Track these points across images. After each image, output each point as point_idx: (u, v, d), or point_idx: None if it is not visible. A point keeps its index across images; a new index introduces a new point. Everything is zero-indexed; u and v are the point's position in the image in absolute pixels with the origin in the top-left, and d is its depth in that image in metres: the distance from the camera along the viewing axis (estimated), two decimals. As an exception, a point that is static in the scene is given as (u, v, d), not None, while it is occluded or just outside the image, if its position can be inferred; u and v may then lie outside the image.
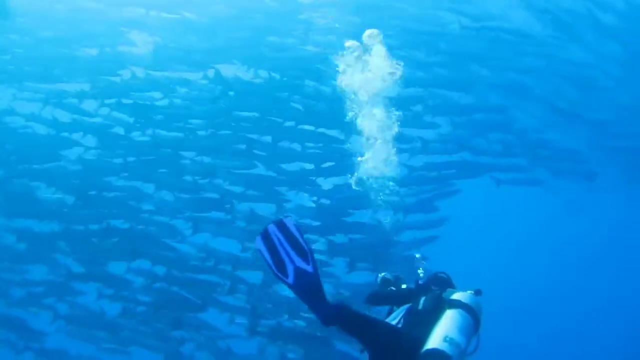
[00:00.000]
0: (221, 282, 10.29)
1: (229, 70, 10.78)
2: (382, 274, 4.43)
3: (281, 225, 3.14)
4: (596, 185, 12.55)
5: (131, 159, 10.66)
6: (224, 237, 10.42)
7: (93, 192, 10.70)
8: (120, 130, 10.83)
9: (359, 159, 9.02)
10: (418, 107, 10.51)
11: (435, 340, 3.13)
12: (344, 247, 10.11)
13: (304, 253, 3.10)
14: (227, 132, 10.44)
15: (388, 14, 10.30)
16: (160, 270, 10.35)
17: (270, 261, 3.10)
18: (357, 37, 8.79)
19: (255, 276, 10.41)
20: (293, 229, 3.13)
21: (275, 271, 3.11)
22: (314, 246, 10.22)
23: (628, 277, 21.84)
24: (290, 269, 3.07)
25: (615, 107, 12.03)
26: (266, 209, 10.46)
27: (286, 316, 10.05)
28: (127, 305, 10.41)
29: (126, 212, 10.67)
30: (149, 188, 10.70)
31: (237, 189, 10.51)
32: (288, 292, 10.46)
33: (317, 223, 10.30)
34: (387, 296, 4.04)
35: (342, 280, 10.10)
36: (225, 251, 10.43)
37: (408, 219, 10.21)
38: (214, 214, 10.62)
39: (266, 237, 3.12)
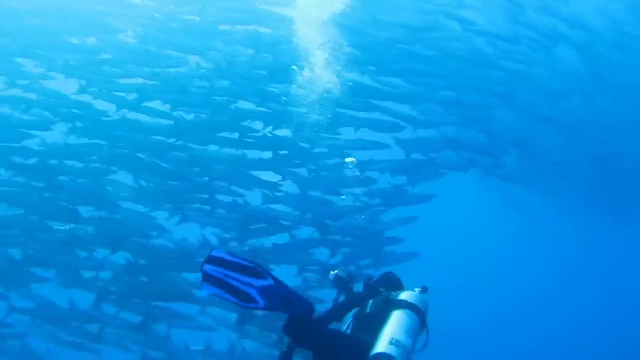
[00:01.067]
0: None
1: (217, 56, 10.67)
2: (335, 271, 4.23)
3: (214, 260, 2.93)
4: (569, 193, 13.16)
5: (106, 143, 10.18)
6: (211, 227, 10.06)
7: (62, 178, 10.08)
8: (99, 115, 10.37)
9: (293, 67, 9.11)
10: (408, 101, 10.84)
11: (382, 344, 3.10)
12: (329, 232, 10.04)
13: (254, 271, 2.93)
14: (219, 118, 10.21)
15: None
16: (138, 260, 9.77)
17: (232, 299, 2.89)
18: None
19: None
20: (228, 257, 2.94)
21: (244, 304, 2.90)
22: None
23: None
24: (253, 293, 2.89)
25: (585, 115, 12.85)
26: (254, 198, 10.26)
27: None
28: (99, 296, 9.64)
29: (97, 199, 10.08)
30: (128, 176, 10.21)
31: (224, 178, 10.22)
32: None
33: (298, 212, 10.21)
34: (341, 309, 3.83)
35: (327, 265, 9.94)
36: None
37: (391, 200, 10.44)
38: (198, 203, 10.20)
39: (209, 278, 2.90)
